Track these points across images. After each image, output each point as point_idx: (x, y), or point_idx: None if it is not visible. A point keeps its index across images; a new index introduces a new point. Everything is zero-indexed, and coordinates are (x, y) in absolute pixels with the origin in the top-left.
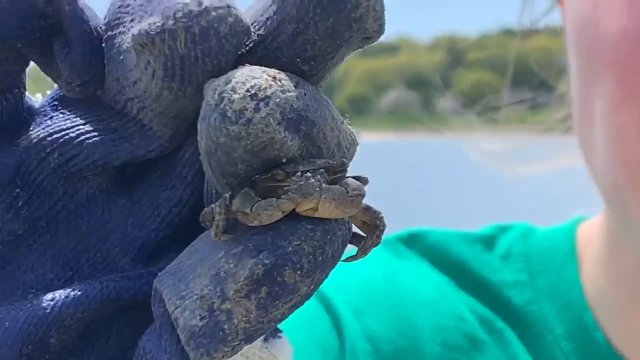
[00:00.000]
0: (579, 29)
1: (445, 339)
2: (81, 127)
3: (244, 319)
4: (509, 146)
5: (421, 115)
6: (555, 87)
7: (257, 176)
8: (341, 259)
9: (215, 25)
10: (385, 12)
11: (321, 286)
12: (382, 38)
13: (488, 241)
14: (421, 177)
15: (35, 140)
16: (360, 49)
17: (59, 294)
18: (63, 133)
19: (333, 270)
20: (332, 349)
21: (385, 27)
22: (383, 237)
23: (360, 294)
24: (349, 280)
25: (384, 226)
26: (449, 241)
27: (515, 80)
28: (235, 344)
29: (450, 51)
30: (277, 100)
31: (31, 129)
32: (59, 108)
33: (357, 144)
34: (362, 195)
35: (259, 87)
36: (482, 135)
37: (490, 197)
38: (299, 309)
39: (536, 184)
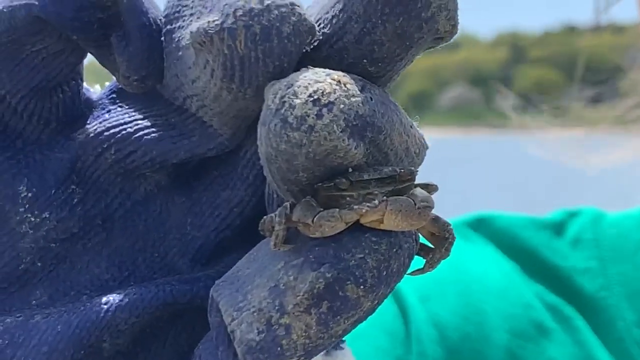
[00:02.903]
0: None
1: (512, 326)
2: (139, 122)
3: (304, 334)
4: (570, 141)
5: (483, 112)
6: (618, 84)
7: (320, 184)
8: (407, 273)
9: (278, 24)
10: (458, 10)
11: None
12: None
13: (557, 227)
14: (482, 173)
15: (92, 134)
16: None
17: (113, 297)
18: (121, 128)
19: None
20: (398, 335)
21: (459, 28)
22: (450, 220)
23: (426, 280)
24: (415, 266)
25: (454, 238)
26: (517, 226)
27: (578, 76)
28: None
29: (513, 48)
30: (342, 106)
31: (88, 122)
32: (117, 101)
33: (427, 148)
34: (431, 207)
35: (322, 92)
36: (543, 131)
37: (551, 194)
38: None
39: (595, 179)
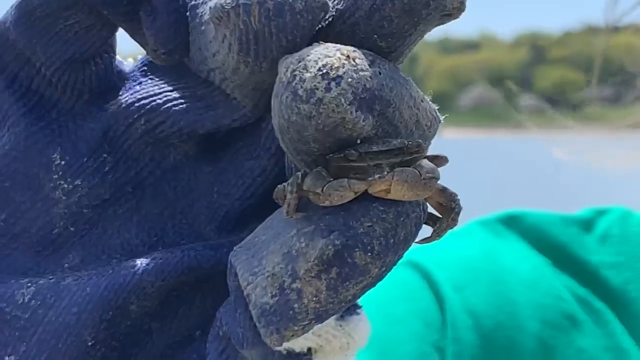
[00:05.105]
0: None
1: (544, 317)
2: (168, 94)
3: (314, 298)
4: (591, 143)
5: (503, 112)
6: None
7: (331, 155)
8: (415, 241)
9: (290, 0)
10: None
11: (423, 262)
12: (464, 35)
13: (586, 223)
14: (503, 173)
15: (124, 105)
16: (441, 46)
17: (140, 261)
18: (150, 99)
19: (434, 247)
20: (434, 323)
21: (466, 6)
22: (482, 217)
23: (461, 270)
24: (450, 256)
25: (460, 208)
26: (547, 223)
27: (599, 76)
28: (305, 323)
29: (533, 48)
30: (350, 79)
31: (120, 94)
32: (148, 74)
33: (440, 122)
34: (436, 178)
35: (331, 66)
36: (564, 132)
37: (571, 194)
38: (402, 283)
39: (617, 180)
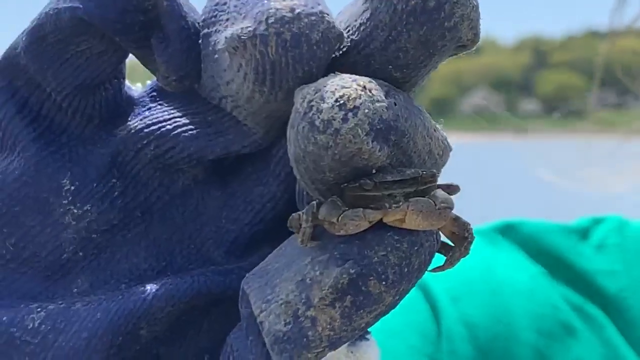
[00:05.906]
0: None
1: (540, 326)
2: (178, 119)
3: (328, 326)
4: (593, 148)
5: (505, 117)
6: None
7: (346, 184)
8: (428, 269)
9: (307, 32)
10: (480, 20)
11: None
12: None
13: (582, 232)
14: (504, 178)
15: (133, 131)
16: None
17: (150, 287)
18: (160, 125)
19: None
20: (429, 334)
21: (481, 34)
22: (479, 227)
23: (457, 281)
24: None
25: (473, 238)
26: (543, 232)
27: (601, 82)
28: (318, 350)
29: (535, 53)
30: (366, 110)
31: (129, 119)
32: (157, 99)
33: (451, 149)
34: (450, 208)
35: (348, 97)
36: (566, 137)
37: (573, 199)
38: None
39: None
